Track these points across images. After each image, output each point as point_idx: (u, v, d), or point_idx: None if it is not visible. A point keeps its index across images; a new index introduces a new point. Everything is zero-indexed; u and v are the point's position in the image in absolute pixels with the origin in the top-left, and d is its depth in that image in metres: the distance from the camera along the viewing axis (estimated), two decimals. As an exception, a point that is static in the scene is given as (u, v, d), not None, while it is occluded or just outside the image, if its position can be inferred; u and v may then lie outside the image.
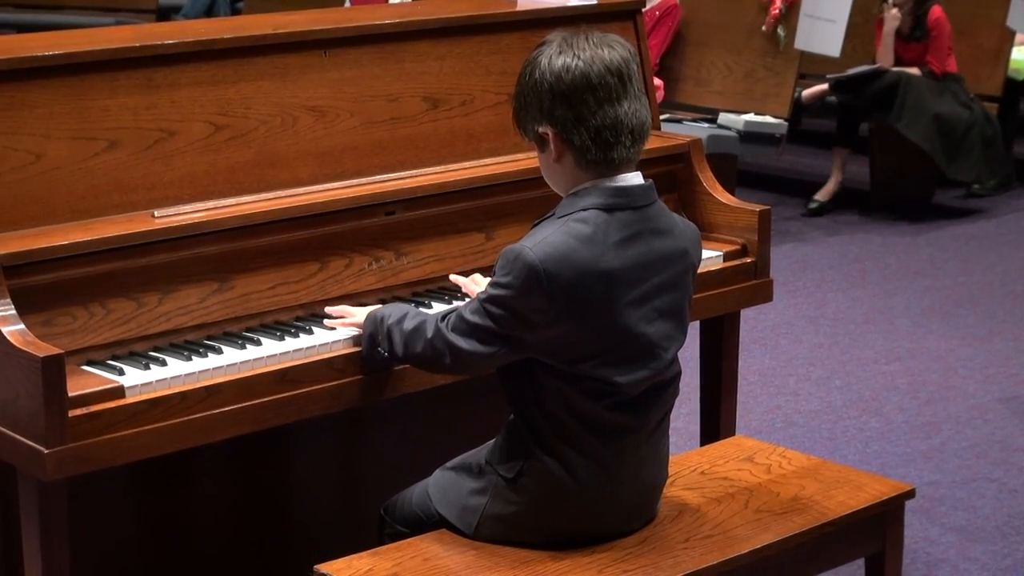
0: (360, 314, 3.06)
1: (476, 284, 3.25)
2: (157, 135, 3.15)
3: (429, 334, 2.87)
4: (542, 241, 2.76)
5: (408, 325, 2.92)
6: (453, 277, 3.32)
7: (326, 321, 3.12)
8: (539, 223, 2.86)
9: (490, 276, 3.29)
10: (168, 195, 3.14)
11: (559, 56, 2.81)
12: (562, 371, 2.81)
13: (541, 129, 2.84)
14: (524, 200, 3.51)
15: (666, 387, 2.92)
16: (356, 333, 3.06)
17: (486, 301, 2.81)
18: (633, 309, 2.83)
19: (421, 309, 3.05)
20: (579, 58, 2.79)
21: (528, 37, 3.72)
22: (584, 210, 2.81)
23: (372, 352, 3.01)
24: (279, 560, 3.52)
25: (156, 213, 3.06)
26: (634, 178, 2.86)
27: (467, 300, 2.97)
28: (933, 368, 5.68)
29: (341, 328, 3.08)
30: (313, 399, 2.97)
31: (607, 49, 2.81)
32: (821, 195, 8.14)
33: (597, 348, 2.80)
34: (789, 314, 6.33)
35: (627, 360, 2.83)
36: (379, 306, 3.07)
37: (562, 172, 2.87)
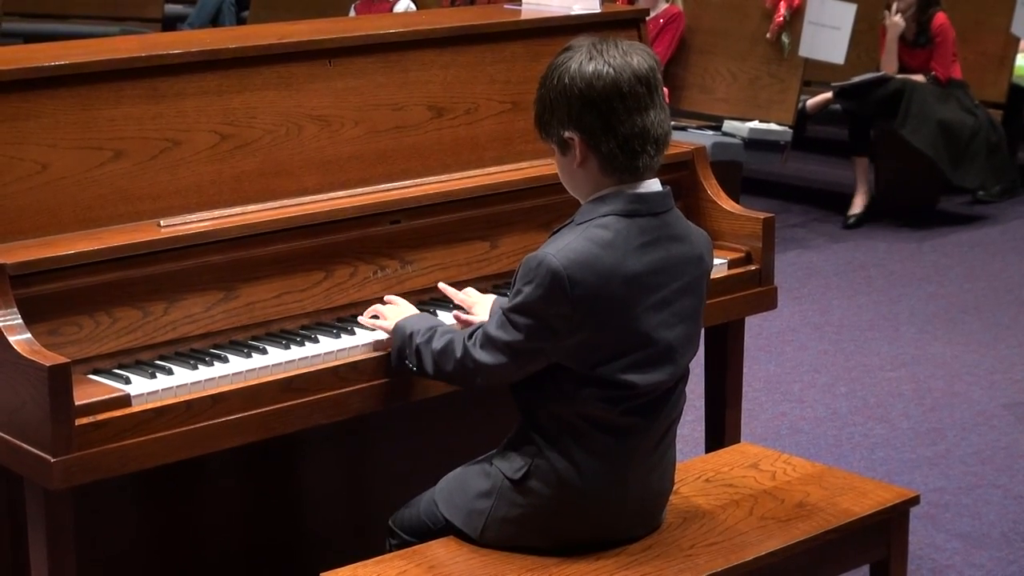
0: (391, 321, 3.05)
1: (467, 296, 3.25)
2: (163, 144, 3.15)
3: (458, 354, 2.88)
4: (564, 247, 2.77)
5: (437, 345, 2.91)
6: (442, 286, 3.31)
7: (360, 319, 3.13)
8: (559, 230, 2.87)
9: (489, 291, 3.30)
10: (174, 204, 3.15)
11: (589, 62, 2.80)
12: (581, 375, 2.82)
13: (567, 134, 2.84)
14: (529, 208, 3.52)
15: (674, 388, 2.93)
16: (371, 340, 3.07)
17: (510, 311, 2.81)
18: (654, 313, 2.84)
19: (445, 323, 3.04)
20: (610, 65, 2.79)
21: (532, 46, 3.73)
22: (604, 216, 2.81)
23: (400, 364, 3.02)
24: (286, 569, 3.52)
25: (162, 222, 3.07)
26: (653, 184, 2.87)
27: (490, 316, 2.96)
28: (938, 375, 5.68)
29: (363, 332, 3.08)
30: (319, 407, 2.98)
31: (635, 57, 2.81)
32: (856, 208, 8.02)
33: (618, 352, 2.81)
34: (794, 321, 6.33)
35: (647, 364, 2.84)
36: (408, 315, 3.06)
37: (584, 177, 2.87)
